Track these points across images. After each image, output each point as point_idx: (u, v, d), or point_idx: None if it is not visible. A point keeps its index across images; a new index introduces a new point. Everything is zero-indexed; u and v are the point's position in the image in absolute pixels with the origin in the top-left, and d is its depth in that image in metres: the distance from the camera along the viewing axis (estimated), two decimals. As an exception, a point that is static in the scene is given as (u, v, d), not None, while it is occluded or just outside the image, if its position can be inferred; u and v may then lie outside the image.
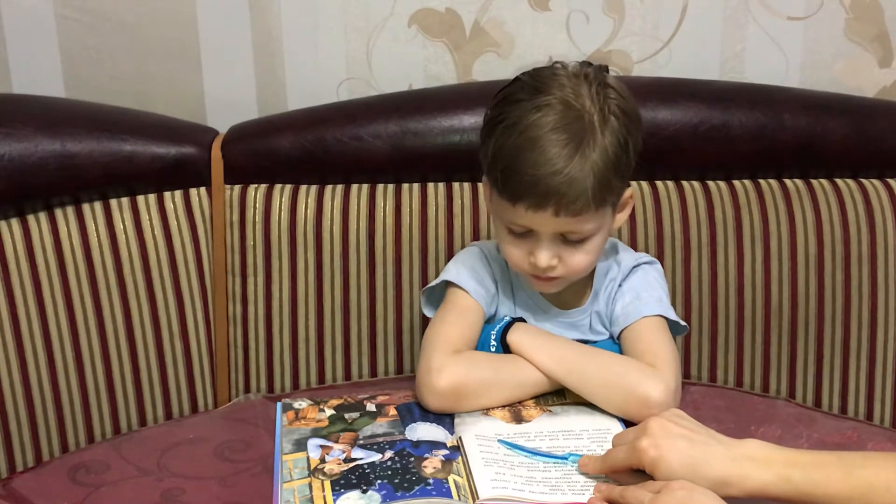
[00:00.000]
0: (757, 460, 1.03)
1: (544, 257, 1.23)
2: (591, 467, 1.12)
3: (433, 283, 1.36)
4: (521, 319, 1.31)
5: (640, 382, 1.20)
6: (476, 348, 1.29)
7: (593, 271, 1.34)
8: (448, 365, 1.23)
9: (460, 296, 1.32)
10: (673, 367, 1.23)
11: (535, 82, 1.23)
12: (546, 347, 1.27)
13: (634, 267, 1.35)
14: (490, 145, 1.23)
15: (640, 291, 1.32)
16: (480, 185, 1.55)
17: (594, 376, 1.23)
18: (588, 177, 1.18)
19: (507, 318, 1.30)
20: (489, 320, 1.35)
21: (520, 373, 1.26)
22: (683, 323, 1.33)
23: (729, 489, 1.02)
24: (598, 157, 1.19)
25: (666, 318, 1.31)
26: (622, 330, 1.31)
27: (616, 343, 1.32)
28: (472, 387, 1.23)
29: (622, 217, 1.30)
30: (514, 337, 1.27)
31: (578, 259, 1.24)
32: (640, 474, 1.07)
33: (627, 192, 1.28)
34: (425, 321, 1.40)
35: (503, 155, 1.20)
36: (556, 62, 1.27)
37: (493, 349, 1.28)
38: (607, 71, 1.26)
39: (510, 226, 1.24)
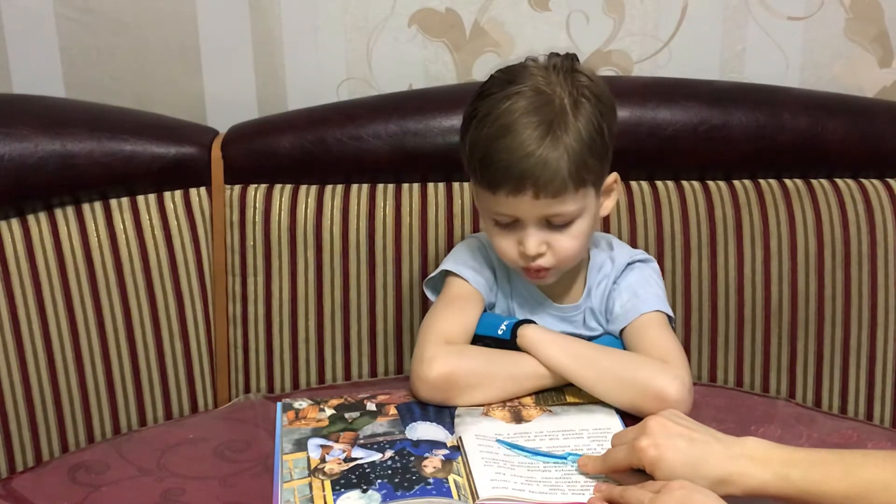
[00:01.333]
0: (756, 459, 1.03)
1: (532, 243, 1.23)
2: (590, 467, 1.12)
3: (433, 274, 1.37)
4: (535, 322, 1.31)
5: (656, 378, 1.20)
6: (478, 329, 1.30)
7: (587, 266, 1.34)
8: (440, 355, 1.24)
9: (458, 284, 1.33)
10: (683, 361, 1.24)
11: (506, 76, 1.25)
12: (559, 342, 1.27)
13: (629, 264, 1.35)
14: (466, 140, 1.25)
15: (638, 289, 1.32)
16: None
17: (608, 371, 1.23)
18: (562, 157, 1.19)
19: (524, 318, 1.31)
20: (489, 309, 1.35)
21: (513, 366, 1.26)
22: (673, 323, 1.33)
23: (728, 488, 1.02)
24: (571, 138, 1.20)
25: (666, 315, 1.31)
26: (623, 328, 1.31)
27: (616, 338, 1.33)
28: (463, 377, 1.23)
29: (609, 203, 1.30)
30: (527, 330, 1.27)
31: (566, 244, 1.25)
32: (639, 474, 1.07)
33: (611, 177, 1.29)
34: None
35: (479, 146, 1.22)
36: (528, 57, 1.28)
37: (500, 333, 1.28)
38: (577, 59, 1.27)
39: (496, 217, 1.25)
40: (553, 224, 1.23)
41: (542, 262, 1.25)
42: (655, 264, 1.38)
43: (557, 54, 1.27)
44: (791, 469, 1.02)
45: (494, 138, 1.20)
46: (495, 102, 1.22)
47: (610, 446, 1.14)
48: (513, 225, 1.25)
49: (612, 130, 1.25)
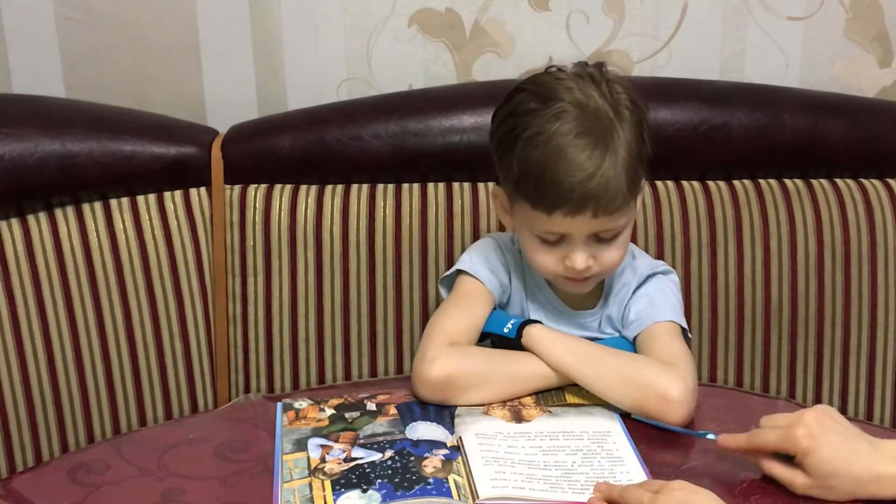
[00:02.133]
0: None
1: (581, 259, 1.24)
2: (734, 443, 1.11)
3: (448, 272, 1.37)
4: (541, 323, 1.31)
5: (659, 378, 1.20)
6: (486, 326, 1.30)
7: None
8: (442, 356, 1.24)
9: (470, 283, 1.33)
10: (689, 365, 1.24)
11: (540, 90, 1.24)
12: (564, 342, 1.27)
13: (650, 276, 1.35)
14: (514, 160, 1.23)
15: (655, 298, 1.33)
16: (481, 185, 1.55)
17: (612, 371, 1.24)
18: (621, 174, 1.20)
19: (530, 318, 1.31)
20: (501, 309, 1.36)
21: (514, 367, 1.26)
22: (689, 335, 1.34)
23: (875, 489, 1.04)
24: (624, 152, 1.20)
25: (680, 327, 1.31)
26: (636, 335, 1.31)
27: (626, 340, 1.33)
28: (464, 379, 1.24)
29: (638, 203, 1.30)
30: (533, 329, 1.27)
31: (612, 255, 1.26)
32: (782, 459, 1.08)
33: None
34: (425, 322, 1.40)
35: (532, 168, 1.21)
36: (551, 67, 1.28)
37: (506, 331, 1.28)
38: (605, 67, 1.27)
39: (544, 235, 1.25)
40: (601, 238, 1.24)
41: (586, 273, 1.26)
42: (675, 276, 1.38)
43: (587, 63, 1.27)
44: None
45: (550, 161, 1.19)
46: (541, 122, 1.21)
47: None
48: (559, 241, 1.24)
49: (649, 135, 1.26)
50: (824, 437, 1.05)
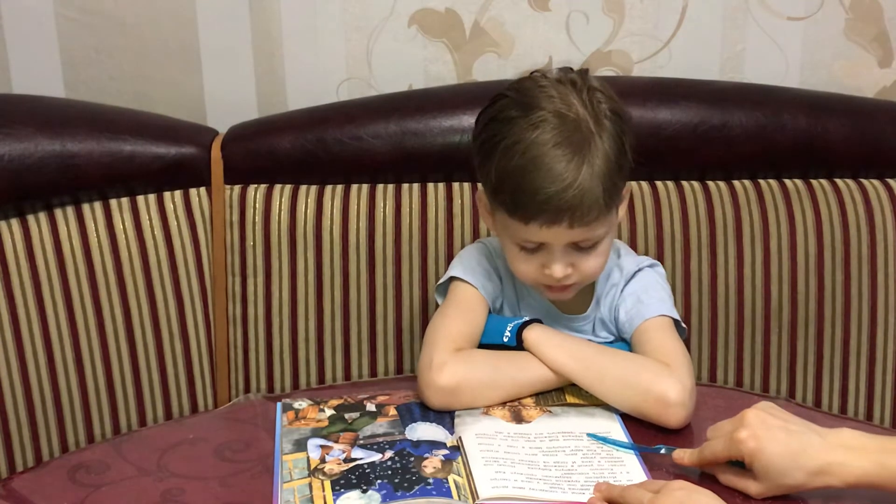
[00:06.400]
0: (853, 449, 1.03)
1: (559, 268, 1.23)
2: (686, 459, 1.11)
3: (441, 280, 1.37)
4: (539, 321, 1.31)
5: (657, 381, 1.20)
6: (483, 337, 1.30)
7: None
8: (449, 363, 1.23)
9: (464, 290, 1.33)
10: (686, 365, 1.23)
11: (522, 97, 1.23)
12: (564, 345, 1.27)
13: (636, 272, 1.35)
14: (491, 168, 1.23)
15: (641, 294, 1.32)
16: (481, 186, 1.55)
17: (611, 375, 1.23)
18: (597, 185, 1.19)
19: (528, 318, 1.30)
20: (493, 314, 1.35)
21: (519, 373, 1.26)
22: (683, 325, 1.33)
23: (827, 478, 1.03)
24: (601, 162, 1.19)
25: (672, 319, 1.31)
26: (630, 335, 1.31)
27: (625, 344, 1.33)
28: (472, 385, 1.24)
29: (622, 211, 1.30)
30: (531, 333, 1.27)
31: (592, 263, 1.25)
32: (735, 468, 1.08)
33: (625, 187, 1.28)
34: (425, 321, 1.40)
35: (508, 177, 1.20)
36: (535, 71, 1.27)
37: (505, 339, 1.28)
38: (588, 73, 1.27)
39: (522, 243, 1.24)
40: (580, 246, 1.23)
41: (566, 282, 1.25)
42: (661, 268, 1.38)
43: (571, 69, 1.26)
44: (887, 456, 1.02)
45: (527, 171, 1.19)
46: (519, 131, 1.20)
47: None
48: (538, 248, 1.24)
49: (631, 145, 1.25)
50: (769, 435, 1.04)
